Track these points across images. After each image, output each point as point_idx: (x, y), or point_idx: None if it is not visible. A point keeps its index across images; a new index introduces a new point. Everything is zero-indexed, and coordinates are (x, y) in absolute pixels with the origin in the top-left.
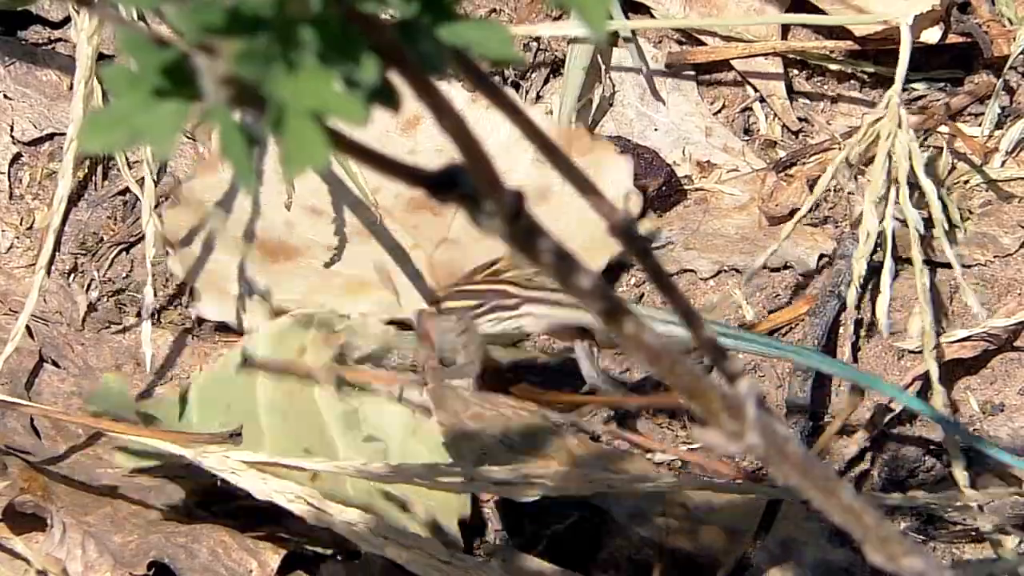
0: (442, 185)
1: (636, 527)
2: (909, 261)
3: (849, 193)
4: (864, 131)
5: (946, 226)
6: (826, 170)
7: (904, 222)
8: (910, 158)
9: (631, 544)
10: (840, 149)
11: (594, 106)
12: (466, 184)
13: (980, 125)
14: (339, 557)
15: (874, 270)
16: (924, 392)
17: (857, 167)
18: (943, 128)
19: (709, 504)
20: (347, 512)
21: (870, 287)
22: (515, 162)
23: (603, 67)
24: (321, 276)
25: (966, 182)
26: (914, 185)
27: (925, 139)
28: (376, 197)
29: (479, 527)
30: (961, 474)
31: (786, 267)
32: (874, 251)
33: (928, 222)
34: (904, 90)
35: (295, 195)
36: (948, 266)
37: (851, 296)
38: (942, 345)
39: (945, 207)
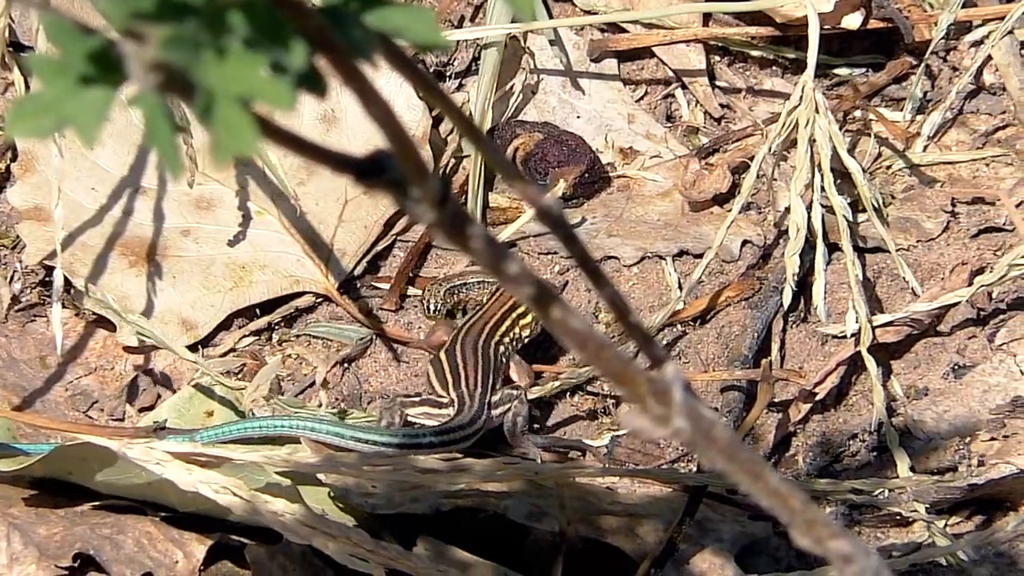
0: (369, 172)
1: (535, 524)
2: (836, 247)
3: (772, 180)
4: (783, 120)
5: (849, 215)
6: (749, 156)
7: (831, 209)
8: (832, 143)
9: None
10: (762, 135)
11: (516, 94)
12: (393, 170)
13: (902, 110)
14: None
15: (799, 256)
16: (850, 377)
17: (779, 153)
18: (865, 113)
19: (625, 495)
20: (273, 502)
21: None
22: None
23: (524, 55)
24: (201, 269)
25: (888, 167)
26: (836, 171)
27: (844, 124)
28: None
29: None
30: (903, 459)
31: None
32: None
33: (853, 207)
34: (826, 76)
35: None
36: (872, 251)
37: (787, 295)
38: (866, 330)
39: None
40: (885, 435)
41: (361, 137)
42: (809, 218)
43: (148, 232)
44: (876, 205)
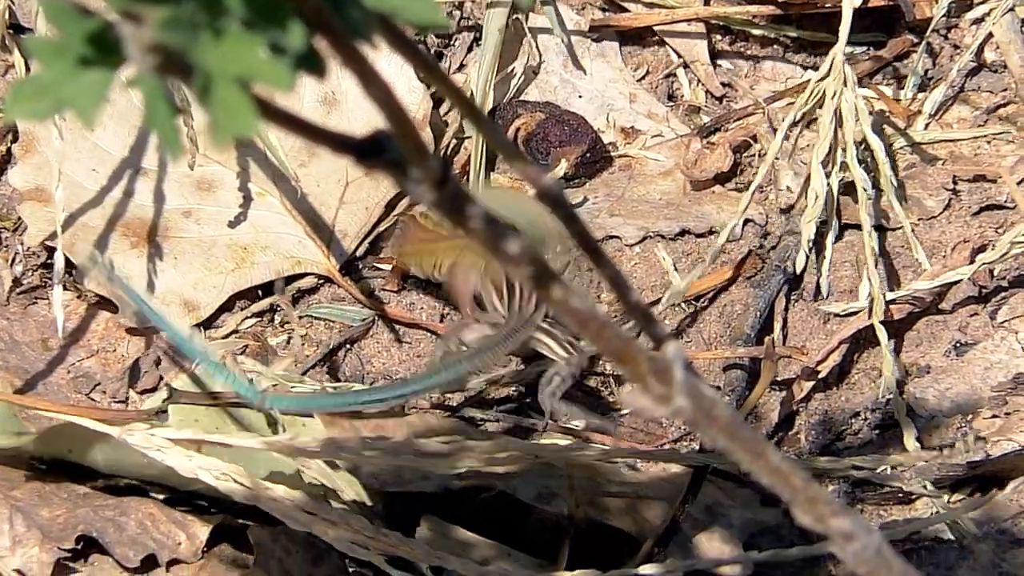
0: (369, 152)
1: (543, 506)
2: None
3: (775, 158)
4: (811, 89)
5: (869, 189)
6: (750, 135)
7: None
8: (857, 117)
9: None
10: (764, 114)
11: (518, 74)
12: (393, 151)
13: (903, 88)
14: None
15: (798, 236)
16: (852, 355)
17: (783, 132)
18: (866, 91)
19: (631, 476)
20: (273, 489)
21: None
22: None
23: (526, 35)
24: (203, 250)
25: (890, 145)
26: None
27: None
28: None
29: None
30: (907, 436)
31: (711, 232)
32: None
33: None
34: (827, 53)
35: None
36: (875, 229)
37: (800, 261)
38: (866, 308)
39: (871, 170)
40: (893, 409)
41: (362, 119)
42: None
43: (149, 213)
44: (893, 183)
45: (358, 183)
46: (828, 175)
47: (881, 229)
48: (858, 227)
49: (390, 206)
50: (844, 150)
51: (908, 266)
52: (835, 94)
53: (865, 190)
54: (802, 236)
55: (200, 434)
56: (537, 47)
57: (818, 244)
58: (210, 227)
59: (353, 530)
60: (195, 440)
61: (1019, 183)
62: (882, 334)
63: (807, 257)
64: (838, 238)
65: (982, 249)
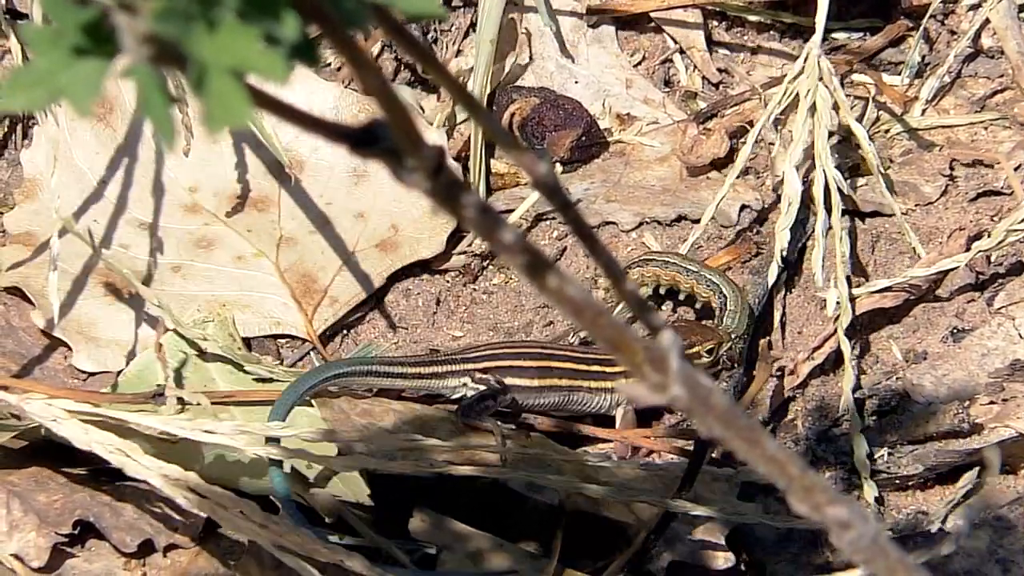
0: (364, 141)
1: (535, 495)
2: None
3: (770, 144)
4: (784, 88)
5: (846, 190)
6: (747, 121)
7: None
8: (834, 110)
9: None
10: (760, 100)
11: (514, 59)
12: (388, 140)
13: (900, 74)
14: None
15: (799, 222)
16: (849, 342)
17: (778, 118)
18: (863, 77)
19: (624, 468)
20: (166, 467)
21: (798, 239)
22: None
23: (522, 21)
24: (176, 302)
25: (886, 131)
26: (832, 134)
27: (842, 88)
28: (196, 198)
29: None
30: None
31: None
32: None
33: (854, 170)
34: (823, 40)
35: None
36: (871, 215)
37: (772, 271)
38: (863, 295)
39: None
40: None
41: (389, 194)
42: (811, 185)
43: (140, 265)
44: (882, 171)
45: (364, 253)
46: (807, 170)
47: (877, 215)
48: (858, 213)
49: (392, 279)
50: (822, 145)
51: (905, 252)
52: (808, 92)
53: (840, 189)
54: (776, 245)
55: (100, 409)
56: (533, 33)
57: (812, 232)
58: (195, 283)
59: (243, 516)
60: (97, 414)
61: (1016, 169)
62: (845, 345)
63: (780, 267)
64: (831, 226)
65: (979, 236)
